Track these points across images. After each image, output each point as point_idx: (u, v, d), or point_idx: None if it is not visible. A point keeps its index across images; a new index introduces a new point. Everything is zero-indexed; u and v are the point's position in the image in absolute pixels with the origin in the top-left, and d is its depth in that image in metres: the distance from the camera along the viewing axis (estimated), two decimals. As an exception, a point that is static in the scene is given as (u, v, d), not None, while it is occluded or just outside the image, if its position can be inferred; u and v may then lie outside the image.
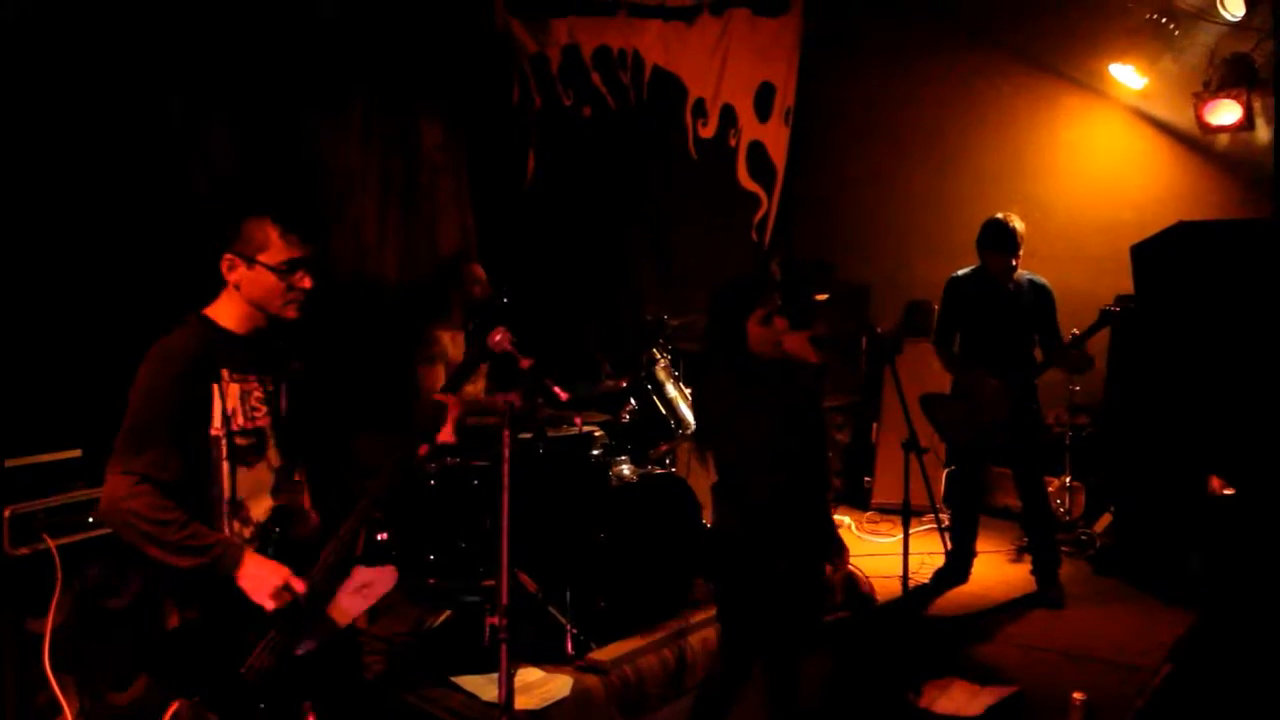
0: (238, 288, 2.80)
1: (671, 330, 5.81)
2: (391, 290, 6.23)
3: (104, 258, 4.54)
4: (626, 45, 7.35)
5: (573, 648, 4.33)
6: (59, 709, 3.46)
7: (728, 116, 7.79)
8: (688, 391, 5.41)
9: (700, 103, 7.75)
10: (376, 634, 4.51)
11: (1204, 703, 3.98)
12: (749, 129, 7.90)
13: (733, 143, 7.89)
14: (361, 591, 2.88)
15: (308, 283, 2.84)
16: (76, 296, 4.34)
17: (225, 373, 2.76)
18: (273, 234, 2.80)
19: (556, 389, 3.43)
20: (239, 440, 2.77)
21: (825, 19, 7.84)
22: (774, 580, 3.60)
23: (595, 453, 5.02)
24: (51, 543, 3.50)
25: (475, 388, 5.56)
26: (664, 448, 5.42)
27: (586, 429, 5.04)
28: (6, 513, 3.46)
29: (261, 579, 2.66)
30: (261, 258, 2.78)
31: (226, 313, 2.83)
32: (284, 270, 2.79)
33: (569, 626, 4.36)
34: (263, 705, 2.67)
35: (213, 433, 2.73)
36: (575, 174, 7.25)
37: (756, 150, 7.91)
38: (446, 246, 6.61)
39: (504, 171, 7.08)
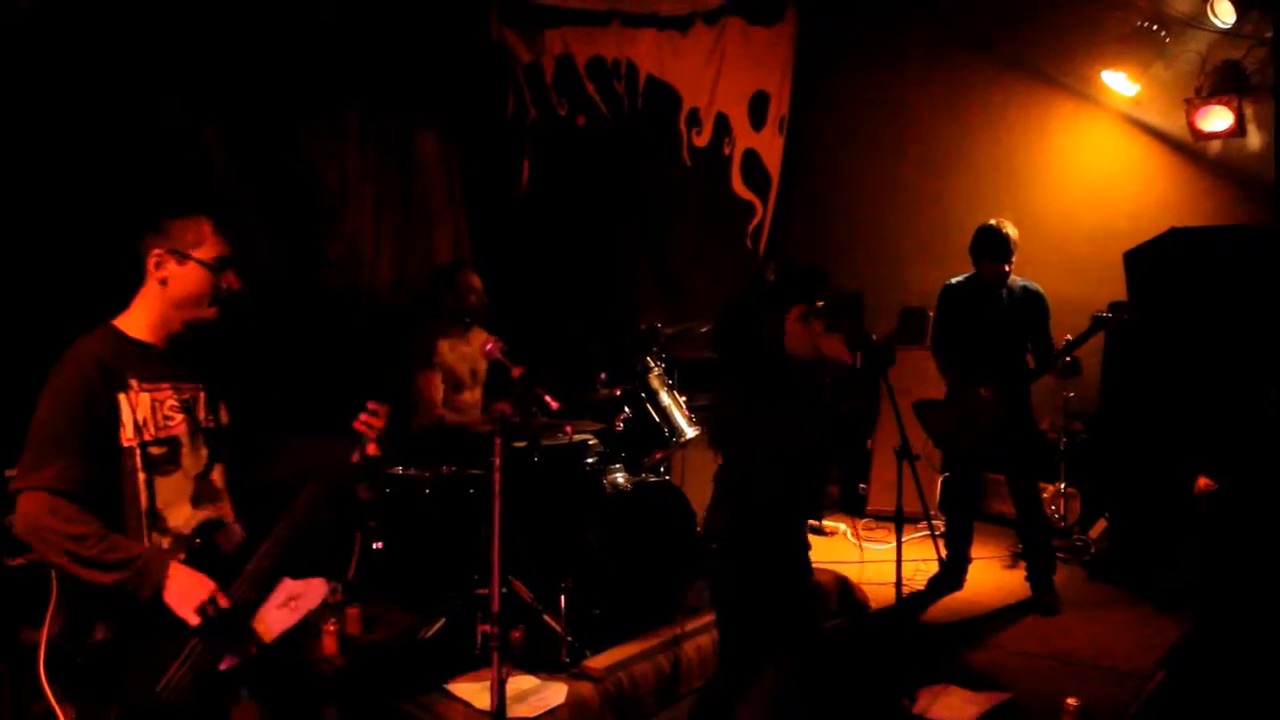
0: (163, 283, 2.77)
1: (666, 338, 5.83)
2: (386, 298, 6.26)
3: (103, 269, 4.56)
4: (620, 55, 7.39)
5: (567, 655, 4.33)
6: (54, 718, 3.46)
7: (722, 125, 7.82)
8: (681, 399, 5.43)
9: (694, 111, 7.79)
10: (376, 640, 4.53)
11: (1197, 710, 3.99)
12: (743, 137, 7.93)
13: (727, 151, 7.92)
14: (289, 605, 2.78)
15: (236, 283, 2.85)
16: (74, 305, 4.36)
17: (134, 382, 2.71)
18: (206, 229, 2.82)
19: (548, 397, 3.43)
20: (152, 450, 2.72)
21: (819, 27, 7.86)
22: (775, 584, 3.62)
23: (589, 461, 5.04)
24: (47, 553, 3.51)
25: (474, 395, 5.58)
26: (658, 455, 5.43)
27: (580, 437, 5.05)
28: (3, 523, 3.48)
29: (187, 592, 2.59)
30: (195, 253, 2.78)
31: (139, 321, 2.80)
32: (216, 266, 2.80)
33: (563, 634, 4.37)
34: None
35: (125, 443, 2.68)
36: (570, 183, 7.29)
37: (751, 158, 7.94)
38: (442, 255, 6.64)
39: (498, 180, 7.12)
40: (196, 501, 2.81)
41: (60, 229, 4.51)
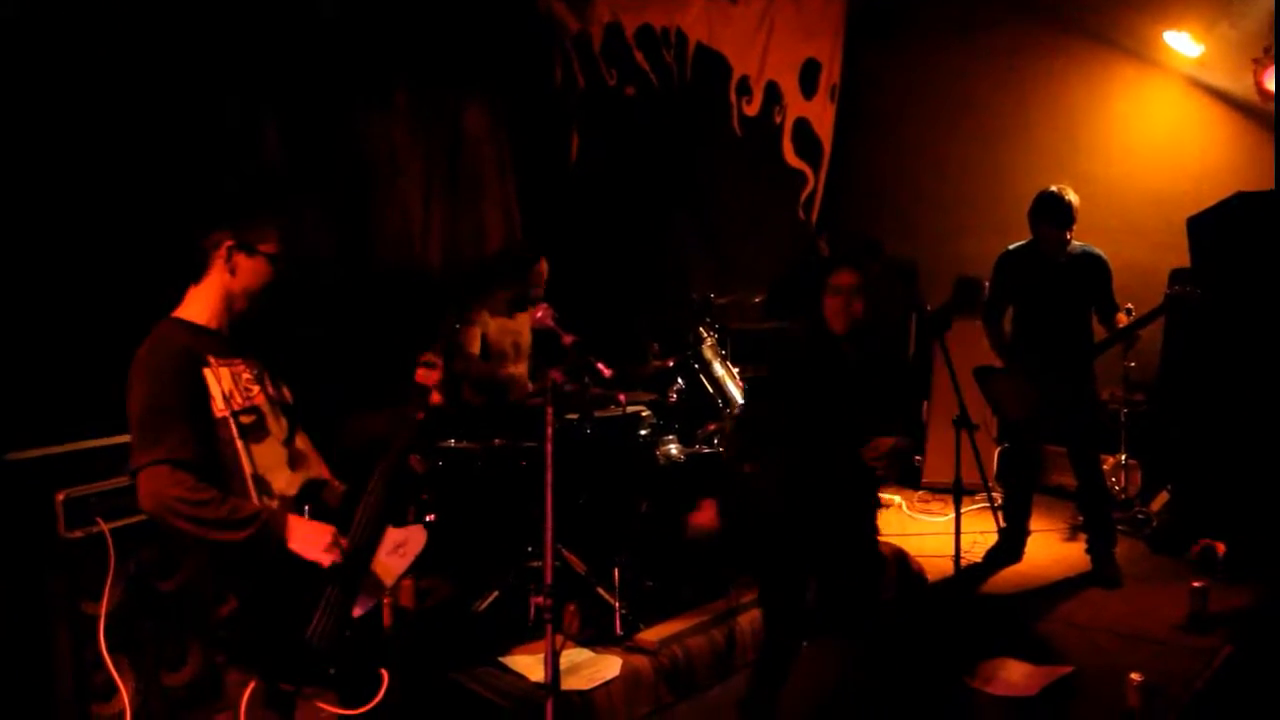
0: (233, 273, 2.92)
1: (718, 309, 5.77)
2: (436, 275, 6.24)
3: (157, 249, 4.59)
4: (669, 23, 7.31)
5: (621, 628, 4.33)
6: (115, 689, 3.51)
7: (772, 94, 7.73)
8: (735, 370, 5.37)
9: (744, 80, 7.69)
10: (428, 612, 4.53)
11: (1264, 685, 3.91)
12: (794, 106, 7.84)
13: (778, 120, 7.83)
14: (398, 551, 2.95)
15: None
16: (134, 285, 4.40)
17: (211, 359, 2.83)
18: (273, 230, 3.00)
19: (600, 365, 3.42)
20: (243, 419, 2.84)
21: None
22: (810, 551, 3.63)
23: (642, 433, 5.00)
24: (105, 526, 3.54)
25: (519, 368, 5.54)
26: (711, 427, 5.39)
27: (633, 409, 5.02)
28: (61, 497, 3.52)
29: (311, 537, 2.75)
30: (262, 249, 2.96)
31: (197, 309, 2.92)
32: (278, 262, 2.98)
33: (618, 606, 4.36)
34: (332, 670, 2.72)
35: (218, 414, 2.79)
36: (620, 154, 7.22)
37: (802, 127, 7.85)
38: (493, 229, 6.61)
39: (548, 152, 7.07)
40: (293, 465, 2.95)
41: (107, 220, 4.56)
